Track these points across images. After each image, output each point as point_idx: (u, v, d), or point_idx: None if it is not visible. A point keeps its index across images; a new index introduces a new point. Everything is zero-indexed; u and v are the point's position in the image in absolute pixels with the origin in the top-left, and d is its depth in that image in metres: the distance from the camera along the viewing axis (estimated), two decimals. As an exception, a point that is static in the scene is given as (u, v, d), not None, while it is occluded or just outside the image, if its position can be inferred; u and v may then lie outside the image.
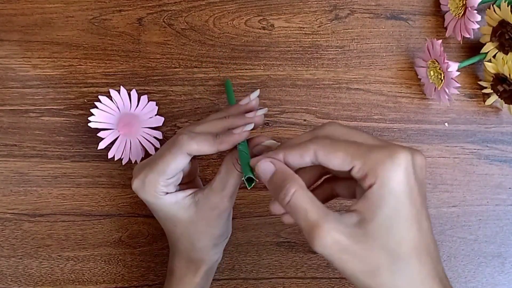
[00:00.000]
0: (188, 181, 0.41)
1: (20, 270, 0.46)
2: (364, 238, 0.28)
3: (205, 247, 0.40)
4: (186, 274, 0.40)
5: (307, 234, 0.28)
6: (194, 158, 0.40)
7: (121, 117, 0.44)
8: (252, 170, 0.34)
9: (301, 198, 0.29)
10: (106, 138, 0.44)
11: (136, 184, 0.37)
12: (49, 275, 0.46)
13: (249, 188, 0.36)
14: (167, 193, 0.37)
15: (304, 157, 0.30)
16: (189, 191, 0.38)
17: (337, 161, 0.29)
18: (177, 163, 0.36)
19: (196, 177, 0.43)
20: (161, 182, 0.36)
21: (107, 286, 0.46)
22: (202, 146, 0.36)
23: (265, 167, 0.32)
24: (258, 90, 0.40)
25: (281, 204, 0.30)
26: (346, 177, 0.33)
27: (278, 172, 0.31)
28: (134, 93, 0.44)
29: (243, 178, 0.34)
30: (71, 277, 0.46)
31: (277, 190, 0.30)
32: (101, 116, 0.43)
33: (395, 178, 0.28)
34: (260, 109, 0.39)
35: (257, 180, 0.34)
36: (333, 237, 0.28)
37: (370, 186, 0.28)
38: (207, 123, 0.38)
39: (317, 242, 0.28)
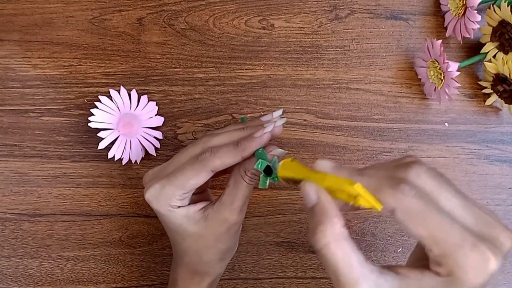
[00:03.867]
0: (199, 192, 0.40)
1: (20, 270, 0.46)
2: None
3: (211, 261, 0.39)
4: (190, 286, 0.40)
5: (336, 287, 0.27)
6: None
7: (121, 117, 0.44)
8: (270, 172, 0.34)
9: (334, 251, 0.26)
10: (106, 138, 0.44)
11: (150, 194, 0.36)
12: (49, 275, 0.46)
13: (267, 185, 0.35)
14: (180, 206, 0.36)
15: (380, 201, 0.26)
16: (200, 205, 0.37)
17: (417, 233, 0.25)
18: (198, 179, 0.35)
19: (207, 189, 0.42)
20: (178, 196, 0.36)
21: (107, 286, 0.46)
22: (226, 159, 0.35)
23: (308, 191, 0.28)
24: (282, 109, 0.39)
25: (312, 245, 0.27)
26: None
27: (319, 206, 0.28)
28: (134, 93, 0.44)
29: (261, 172, 0.35)
30: (71, 277, 0.46)
31: (311, 229, 0.27)
32: (101, 116, 0.44)
33: (476, 281, 0.24)
34: (281, 118, 0.38)
35: (277, 178, 0.34)
36: None
37: (436, 273, 0.25)
38: (225, 134, 0.37)
39: None
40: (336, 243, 0.26)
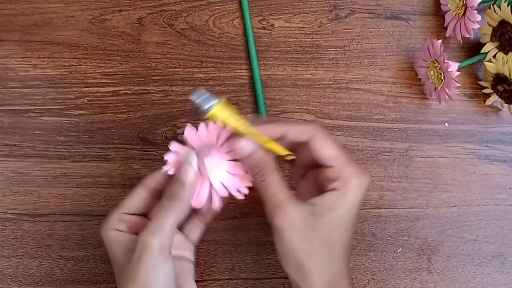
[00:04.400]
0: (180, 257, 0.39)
1: (20, 270, 0.46)
2: (313, 226, 0.34)
3: None
4: None
5: (271, 209, 0.34)
6: (183, 232, 0.40)
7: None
8: None
9: (274, 180, 0.35)
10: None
11: (102, 223, 0.37)
12: (49, 275, 0.46)
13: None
14: (117, 230, 0.36)
15: (303, 134, 0.36)
16: (131, 237, 0.35)
17: (326, 153, 0.35)
18: (132, 195, 0.37)
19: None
20: (115, 215, 0.36)
21: (107, 286, 0.46)
22: (156, 172, 0.37)
23: (244, 146, 0.36)
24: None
25: (256, 180, 0.36)
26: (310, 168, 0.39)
27: (258, 154, 0.36)
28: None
29: None
30: (71, 277, 0.46)
31: (254, 169, 0.36)
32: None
33: (357, 194, 0.35)
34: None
35: None
36: (291, 216, 0.34)
37: (333, 189, 0.35)
38: None
39: (278, 216, 0.34)
40: (276, 173, 0.35)
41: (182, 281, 0.38)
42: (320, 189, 0.36)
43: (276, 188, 0.35)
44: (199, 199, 0.36)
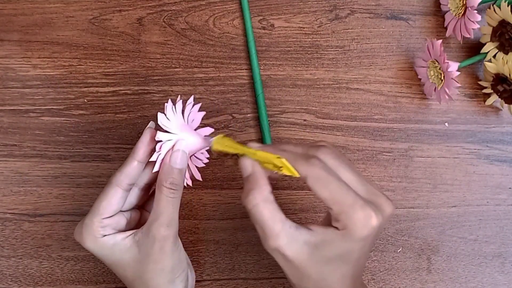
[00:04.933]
0: (136, 219, 0.39)
1: (20, 270, 0.46)
2: (307, 260, 0.33)
3: (160, 286, 0.37)
4: None
5: (262, 239, 0.33)
6: (141, 209, 0.39)
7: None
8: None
9: (261, 210, 0.33)
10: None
11: (76, 232, 0.36)
12: (49, 275, 0.46)
13: None
14: (105, 235, 0.36)
15: (296, 170, 0.33)
16: (129, 232, 0.36)
17: (322, 195, 0.32)
18: (108, 199, 0.35)
19: (143, 213, 0.40)
20: (96, 223, 0.35)
21: (107, 286, 0.46)
22: (123, 168, 0.36)
23: (245, 165, 0.35)
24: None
25: (247, 205, 0.33)
26: None
27: (252, 176, 0.34)
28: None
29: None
30: (71, 277, 0.46)
31: (245, 193, 0.34)
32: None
33: (359, 238, 0.32)
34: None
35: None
36: (281, 251, 0.32)
37: (336, 228, 0.32)
38: None
39: (268, 248, 0.33)
40: (264, 204, 0.33)
41: None
42: (328, 219, 0.34)
43: (262, 219, 0.33)
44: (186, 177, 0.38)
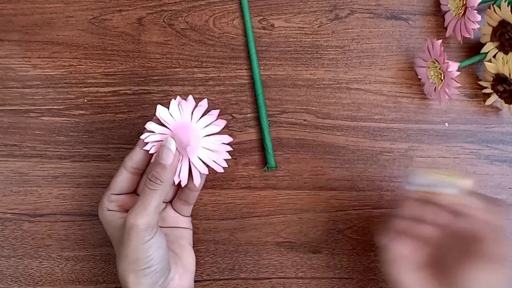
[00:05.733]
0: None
1: (20, 270, 0.46)
2: None
3: (122, 272, 0.37)
4: None
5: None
6: (170, 206, 0.43)
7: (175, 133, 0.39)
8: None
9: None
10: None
11: (99, 205, 0.40)
12: (49, 275, 0.46)
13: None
14: (109, 210, 0.39)
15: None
16: (123, 215, 0.38)
17: None
18: (117, 177, 0.39)
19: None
20: (106, 196, 0.39)
21: (107, 286, 0.46)
22: (131, 153, 0.39)
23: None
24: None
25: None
26: None
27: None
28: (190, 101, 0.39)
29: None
30: (71, 277, 0.46)
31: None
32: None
33: None
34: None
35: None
36: None
37: None
38: None
39: None
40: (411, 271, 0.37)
41: (176, 247, 0.41)
42: None
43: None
44: (181, 176, 0.39)
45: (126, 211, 0.39)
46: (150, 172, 0.37)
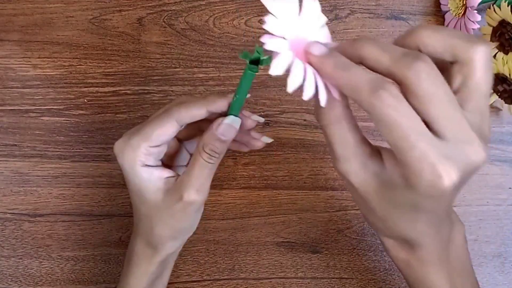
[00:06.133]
0: (171, 166, 0.39)
1: (20, 270, 0.46)
2: (373, 194, 0.28)
3: (163, 237, 0.37)
4: (142, 259, 0.38)
5: (332, 157, 0.29)
6: (181, 142, 0.39)
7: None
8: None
9: (332, 132, 0.29)
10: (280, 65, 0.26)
11: (118, 145, 0.35)
12: (49, 275, 0.46)
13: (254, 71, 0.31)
14: (145, 165, 0.35)
15: (358, 100, 0.26)
16: (166, 174, 0.36)
17: (383, 136, 0.26)
18: (163, 129, 0.35)
19: (184, 168, 0.39)
20: (143, 148, 0.34)
21: (107, 286, 0.46)
22: (190, 108, 0.35)
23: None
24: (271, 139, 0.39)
25: (320, 119, 0.29)
26: None
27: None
28: None
29: (247, 60, 0.30)
30: (71, 277, 0.46)
31: (316, 109, 0.29)
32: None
33: (426, 200, 0.27)
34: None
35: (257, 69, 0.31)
36: (347, 177, 0.29)
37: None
38: (195, 97, 0.38)
39: (336, 168, 0.29)
40: (336, 124, 0.28)
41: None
42: None
43: (333, 141, 0.28)
44: (307, 93, 0.27)
45: (166, 166, 0.37)
46: (207, 144, 0.34)
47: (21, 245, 0.47)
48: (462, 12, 0.45)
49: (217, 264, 0.46)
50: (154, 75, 0.48)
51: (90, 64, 0.48)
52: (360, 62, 0.27)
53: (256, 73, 0.32)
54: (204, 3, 0.49)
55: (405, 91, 0.25)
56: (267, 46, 0.25)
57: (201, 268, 0.46)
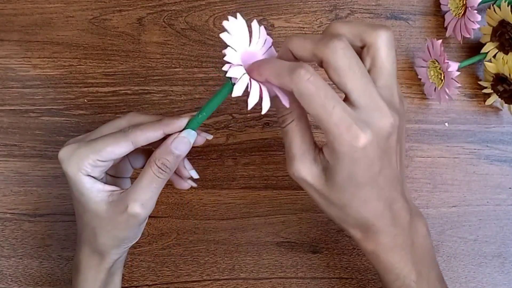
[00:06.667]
0: (116, 177, 0.40)
1: (20, 270, 0.46)
2: (324, 186, 0.32)
3: (106, 245, 0.37)
4: (90, 268, 0.38)
5: (287, 160, 0.33)
6: (126, 158, 0.39)
7: (243, 55, 0.33)
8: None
9: (293, 129, 0.32)
10: (240, 81, 0.31)
11: (63, 152, 0.35)
12: (49, 275, 0.46)
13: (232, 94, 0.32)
14: (89, 175, 0.35)
15: (281, 82, 0.30)
16: (108, 188, 0.36)
17: (306, 110, 0.30)
18: (117, 148, 0.35)
19: (127, 180, 0.41)
20: (90, 159, 0.34)
21: (107, 286, 0.46)
22: (147, 132, 0.35)
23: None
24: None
25: (279, 124, 0.33)
26: None
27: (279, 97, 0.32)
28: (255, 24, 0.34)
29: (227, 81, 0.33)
30: (71, 277, 0.46)
31: (278, 112, 0.33)
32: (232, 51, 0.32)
33: (354, 165, 0.30)
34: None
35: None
36: (301, 174, 0.32)
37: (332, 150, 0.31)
38: (151, 115, 0.38)
39: (290, 172, 0.33)
40: (298, 121, 0.32)
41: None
42: None
43: (293, 139, 0.32)
44: (251, 101, 0.32)
45: (109, 176, 0.38)
46: (159, 157, 0.35)
47: (21, 245, 0.47)
48: (462, 12, 0.45)
49: (217, 264, 0.46)
50: (154, 75, 0.48)
51: (90, 64, 0.48)
52: (293, 56, 0.31)
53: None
54: (204, 3, 0.49)
55: (326, 67, 0.30)
56: (229, 74, 0.31)
57: (201, 268, 0.46)
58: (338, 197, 0.32)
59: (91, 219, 0.36)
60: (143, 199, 0.35)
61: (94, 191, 0.35)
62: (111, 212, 0.35)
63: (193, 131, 0.35)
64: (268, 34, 0.34)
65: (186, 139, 0.35)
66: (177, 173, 0.39)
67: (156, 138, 0.35)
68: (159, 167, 0.35)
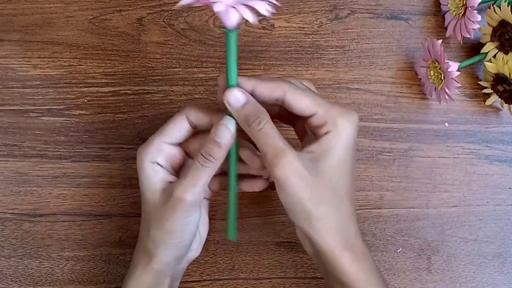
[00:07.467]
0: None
1: (20, 270, 0.46)
2: (316, 173, 0.34)
3: (156, 239, 0.37)
4: (137, 265, 0.39)
5: (272, 158, 0.34)
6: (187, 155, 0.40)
7: None
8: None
9: (271, 128, 0.35)
10: None
11: (141, 146, 0.38)
12: (49, 275, 0.46)
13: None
14: (154, 162, 0.37)
15: (274, 92, 0.35)
16: (170, 178, 0.37)
17: (303, 105, 0.35)
18: (174, 122, 0.37)
19: (205, 201, 0.41)
20: (156, 143, 0.37)
21: (107, 286, 0.46)
22: (200, 112, 0.37)
23: (237, 95, 0.35)
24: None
25: (253, 129, 0.35)
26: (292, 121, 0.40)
27: (251, 102, 0.35)
28: None
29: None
30: (71, 277, 0.46)
31: (249, 118, 0.35)
32: None
33: (349, 132, 0.35)
34: None
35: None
36: (293, 164, 0.34)
37: (326, 133, 0.35)
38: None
39: (281, 165, 0.34)
40: (272, 122, 0.35)
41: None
42: (313, 139, 0.36)
43: (274, 136, 0.34)
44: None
45: (173, 169, 0.39)
46: (203, 147, 0.36)
47: (21, 245, 0.47)
48: (462, 12, 0.45)
49: (217, 264, 0.46)
50: (154, 75, 0.48)
51: (90, 64, 0.48)
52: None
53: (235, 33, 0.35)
54: (204, 3, 0.49)
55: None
56: (215, 8, 0.32)
57: (201, 268, 0.46)
58: (313, 186, 0.34)
59: (148, 210, 0.38)
60: (188, 184, 0.35)
61: (152, 180, 0.37)
62: (162, 200, 0.37)
63: (232, 119, 0.36)
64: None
65: (225, 126, 0.36)
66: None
67: (204, 122, 0.38)
68: (203, 155, 0.36)
